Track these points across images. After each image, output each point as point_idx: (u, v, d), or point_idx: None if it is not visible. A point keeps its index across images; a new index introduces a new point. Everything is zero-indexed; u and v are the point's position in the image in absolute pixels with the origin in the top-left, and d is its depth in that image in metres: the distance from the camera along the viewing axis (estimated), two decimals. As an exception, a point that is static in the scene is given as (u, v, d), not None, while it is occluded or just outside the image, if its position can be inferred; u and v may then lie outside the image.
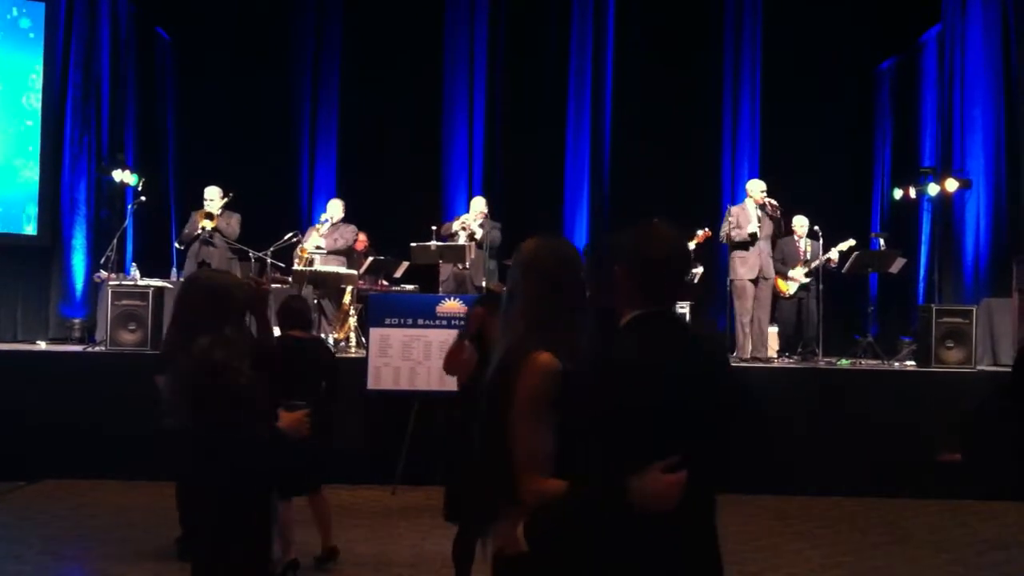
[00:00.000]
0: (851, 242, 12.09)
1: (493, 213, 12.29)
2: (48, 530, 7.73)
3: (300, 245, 11.57)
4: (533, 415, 2.70)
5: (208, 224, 11.16)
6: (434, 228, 11.96)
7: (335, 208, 11.92)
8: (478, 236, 11.81)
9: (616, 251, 2.84)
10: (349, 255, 12.01)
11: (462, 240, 11.77)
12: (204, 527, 3.94)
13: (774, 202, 11.51)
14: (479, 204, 12.22)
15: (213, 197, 11.32)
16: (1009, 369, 10.67)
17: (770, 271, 11.54)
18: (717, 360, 2.88)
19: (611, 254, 2.87)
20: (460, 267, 11.68)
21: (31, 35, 12.98)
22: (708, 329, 5.37)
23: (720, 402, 2.71)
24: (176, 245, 11.82)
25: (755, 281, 11.44)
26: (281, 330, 6.76)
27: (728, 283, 11.79)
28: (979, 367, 10.67)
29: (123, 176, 12.56)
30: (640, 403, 2.55)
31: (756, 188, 11.65)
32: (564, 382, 2.73)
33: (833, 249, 12.02)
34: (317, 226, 11.95)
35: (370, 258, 12.16)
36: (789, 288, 12.14)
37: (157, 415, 3.95)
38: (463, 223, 11.96)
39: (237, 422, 3.77)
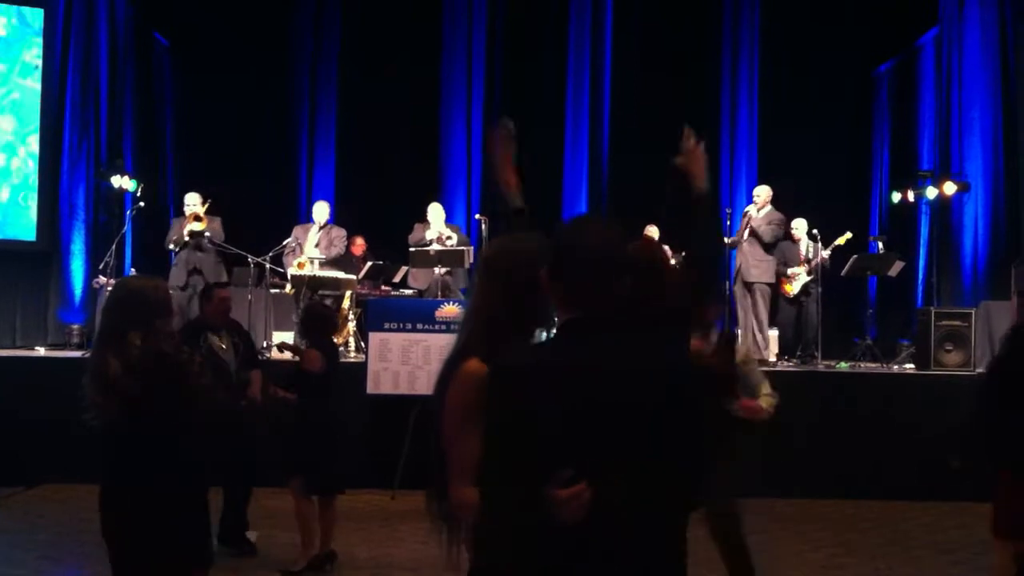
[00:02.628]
0: (848, 235, 12.11)
1: (492, 217, 12.29)
2: (47, 535, 7.74)
3: (297, 260, 11.53)
4: (459, 424, 2.67)
5: (199, 225, 11.13)
6: (411, 249, 11.89)
7: (321, 212, 11.93)
8: (454, 242, 11.83)
9: (552, 253, 2.68)
10: (346, 260, 12.01)
11: (436, 248, 11.76)
12: (137, 527, 3.87)
13: (751, 211, 11.62)
14: (440, 211, 12.24)
15: (195, 203, 11.27)
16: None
17: (749, 275, 11.59)
18: (660, 367, 2.64)
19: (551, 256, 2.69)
20: (441, 272, 11.63)
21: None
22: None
23: (658, 411, 2.52)
24: (169, 248, 11.78)
25: (747, 285, 11.56)
26: (314, 339, 6.88)
27: None
28: (978, 370, 10.64)
29: (122, 181, 12.55)
30: (547, 410, 2.44)
31: (755, 192, 11.78)
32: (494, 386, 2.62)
33: (824, 251, 12.01)
34: (306, 226, 11.96)
35: (369, 263, 12.16)
36: (794, 288, 12.12)
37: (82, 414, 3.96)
38: (437, 235, 11.94)
39: (187, 413, 3.84)
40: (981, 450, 5.77)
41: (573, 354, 2.52)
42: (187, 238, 11.22)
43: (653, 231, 12.01)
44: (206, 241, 11.23)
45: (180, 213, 11.63)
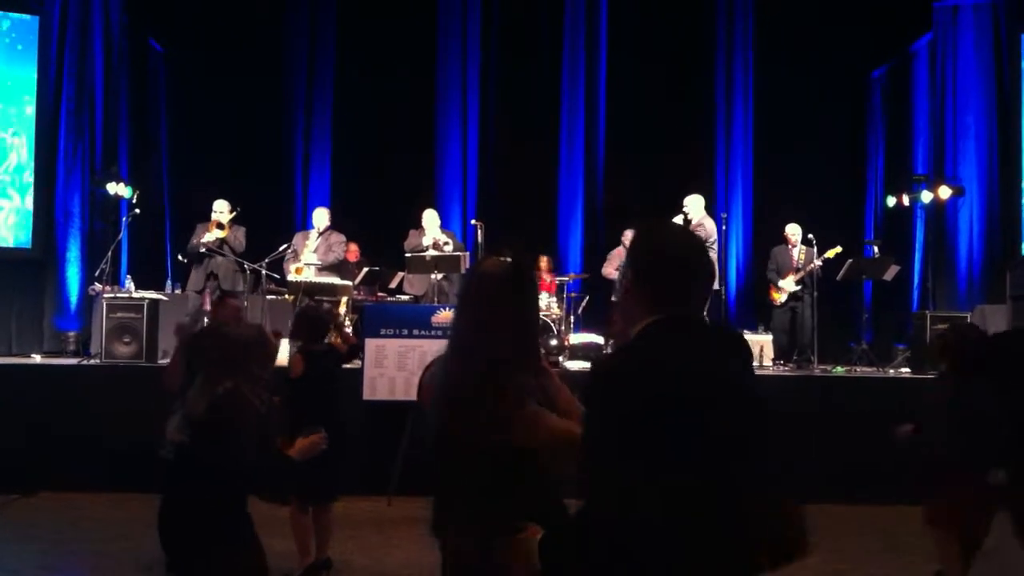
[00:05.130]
0: (838, 249, 12.11)
1: (488, 222, 12.33)
2: (43, 544, 7.71)
3: (295, 265, 11.57)
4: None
5: (220, 233, 11.28)
6: (407, 255, 11.92)
7: (321, 218, 11.97)
8: (449, 250, 11.85)
9: (630, 254, 2.77)
10: (342, 266, 12.03)
11: (432, 254, 11.79)
12: (196, 543, 4.19)
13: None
14: (435, 217, 12.27)
15: (222, 210, 11.44)
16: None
17: None
18: (739, 367, 2.75)
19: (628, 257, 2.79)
20: (438, 278, 11.67)
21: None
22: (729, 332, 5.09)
23: (742, 413, 2.61)
24: (179, 258, 11.80)
25: None
26: (296, 341, 6.89)
27: None
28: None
29: (117, 188, 12.55)
30: (641, 412, 2.48)
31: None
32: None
33: (817, 260, 12.03)
34: (306, 232, 12.00)
35: (365, 269, 12.17)
36: (780, 297, 12.21)
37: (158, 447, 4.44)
38: (433, 241, 11.97)
39: (242, 445, 4.16)
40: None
41: (665, 353, 2.57)
42: (201, 249, 11.36)
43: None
44: (227, 249, 11.31)
45: (179, 219, 11.69)
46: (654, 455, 2.46)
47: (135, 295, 11.17)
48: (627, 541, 2.46)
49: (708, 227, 11.70)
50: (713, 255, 11.59)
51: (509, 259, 3.16)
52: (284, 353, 10.62)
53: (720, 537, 2.51)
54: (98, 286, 11.45)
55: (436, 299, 11.49)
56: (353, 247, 12.85)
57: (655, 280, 2.66)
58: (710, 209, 14.54)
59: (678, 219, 11.78)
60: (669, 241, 2.74)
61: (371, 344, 9.25)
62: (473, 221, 12.84)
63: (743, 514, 2.56)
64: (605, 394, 2.56)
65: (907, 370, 11.38)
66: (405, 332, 9.25)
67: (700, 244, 2.80)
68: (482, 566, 2.85)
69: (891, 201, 13.95)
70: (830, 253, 12.09)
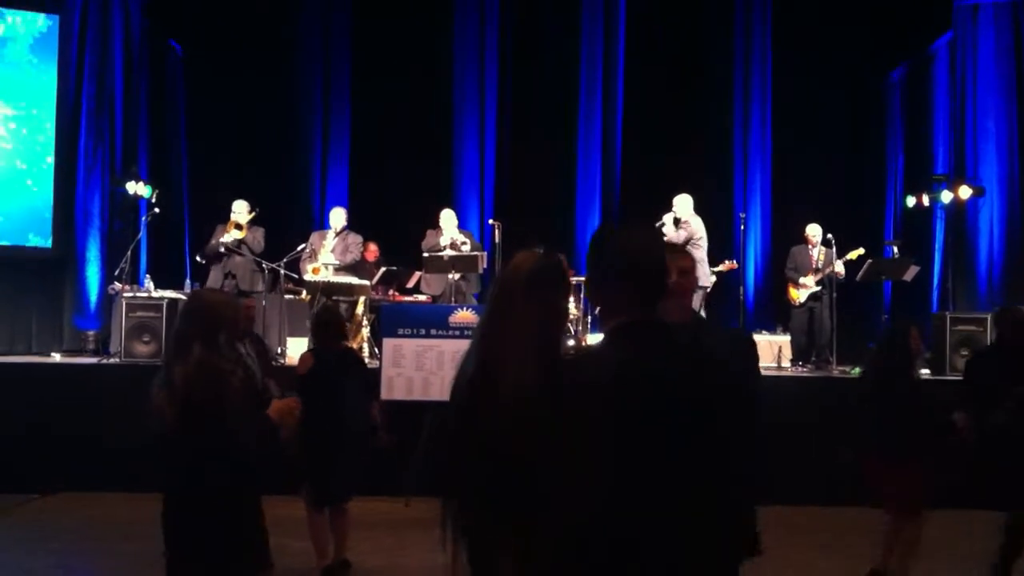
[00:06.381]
0: (860, 251, 12.05)
1: (505, 222, 12.33)
2: (60, 543, 7.76)
3: (312, 265, 11.60)
4: None
5: (238, 234, 11.34)
6: (425, 255, 11.92)
7: (338, 218, 11.99)
8: (467, 250, 11.85)
9: (596, 258, 2.72)
10: (360, 265, 12.05)
11: (450, 254, 11.79)
12: (188, 528, 4.22)
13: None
14: (452, 217, 12.29)
15: (241, 210, 11.49)
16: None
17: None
18: (713, 369, 2.68)
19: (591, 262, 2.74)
20: (455, 277, 11.68)
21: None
22: (731, 335, 4.90)
23: (710, 413, 2.55)
24: (197, 259, 11.84)
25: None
26: (316, 342, 6.92)
27: None
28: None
29: (137, 188, 12.62)
30: (605, 415, 2.45)
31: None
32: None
33: (839, 261, 11.96)
34: (323, 232, 12.02)
35: (382, 268, 12.19)
36: (800, 296, 12.16)
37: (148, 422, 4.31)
38: (451, 241, 11.99)
39: (227, 424, 4.11)
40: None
41: (630, 356, 2.54)
42: (220, 249, 11.42)
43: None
44: (245, 249, 11.36)
45: (199, 219, 11.72)
46: (583, 457, 2.45)
47: (154, 294, 11.23)
48: (590, 542, 2.46)
49: (693, 225, 11.68)
50: (700, 253, 11.49)
51: (540, 252, 3.12)
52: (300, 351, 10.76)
53: (687, 537, 2.49)
54: (117, 285, 11.51)
55: (453, 299, 11.49)
56: (372, 247, 12.87)
57: (605, 288, 2.66)
58: (729, 209, 14.57)
59: (668, 217, 11.78)
60: (617, 249, 2.68)
61: (388, 344, 9.26)
62: (491, 221, 12.85)
63: (709, 512, 2.54)
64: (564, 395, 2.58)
65: (927, 371, 11.31)
66: (423, 332, 9.24)
67: (652, 248, 2.71)
68: (491, 566, 2.84)
69: (911, 201, 13.85)
70: (852, 255, 12.03)
